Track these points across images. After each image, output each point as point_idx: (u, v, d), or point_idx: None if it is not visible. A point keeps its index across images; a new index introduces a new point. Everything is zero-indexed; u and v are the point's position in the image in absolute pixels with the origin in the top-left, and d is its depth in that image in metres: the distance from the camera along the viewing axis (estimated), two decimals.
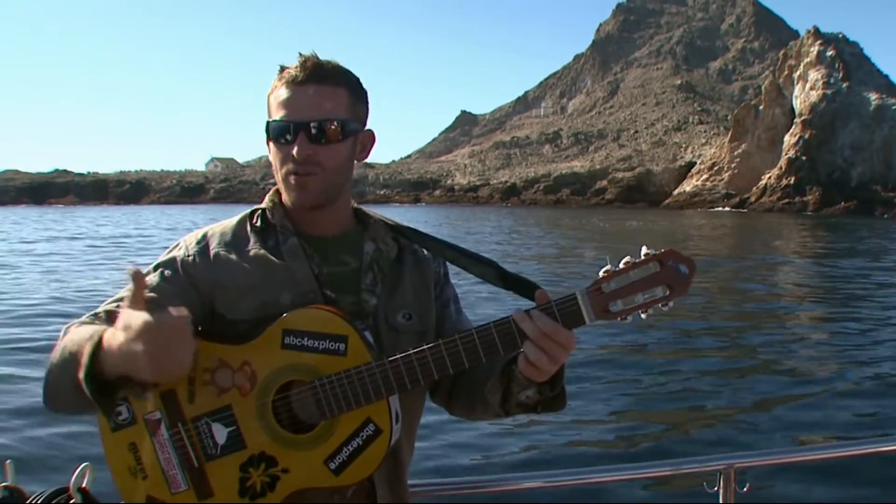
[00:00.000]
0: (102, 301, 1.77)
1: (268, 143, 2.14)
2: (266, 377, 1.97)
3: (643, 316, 1.88)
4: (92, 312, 2.02)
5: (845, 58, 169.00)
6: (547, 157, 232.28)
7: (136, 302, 1.73)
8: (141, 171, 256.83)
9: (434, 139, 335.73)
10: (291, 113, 2.05)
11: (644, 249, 1.87)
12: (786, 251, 45.54)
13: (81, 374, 1.74)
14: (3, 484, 2.11)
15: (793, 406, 10.17)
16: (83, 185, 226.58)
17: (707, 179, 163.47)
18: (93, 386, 1.74)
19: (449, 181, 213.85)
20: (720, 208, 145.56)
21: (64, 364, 1.84)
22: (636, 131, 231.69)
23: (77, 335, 1.87)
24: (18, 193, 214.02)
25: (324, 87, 2.08)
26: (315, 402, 1.96)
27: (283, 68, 2.11)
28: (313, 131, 2.04)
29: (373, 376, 1.95)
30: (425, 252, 2.33)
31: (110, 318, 1.90)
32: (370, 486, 2.10)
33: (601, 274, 1.88)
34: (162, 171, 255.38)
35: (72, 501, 2.11)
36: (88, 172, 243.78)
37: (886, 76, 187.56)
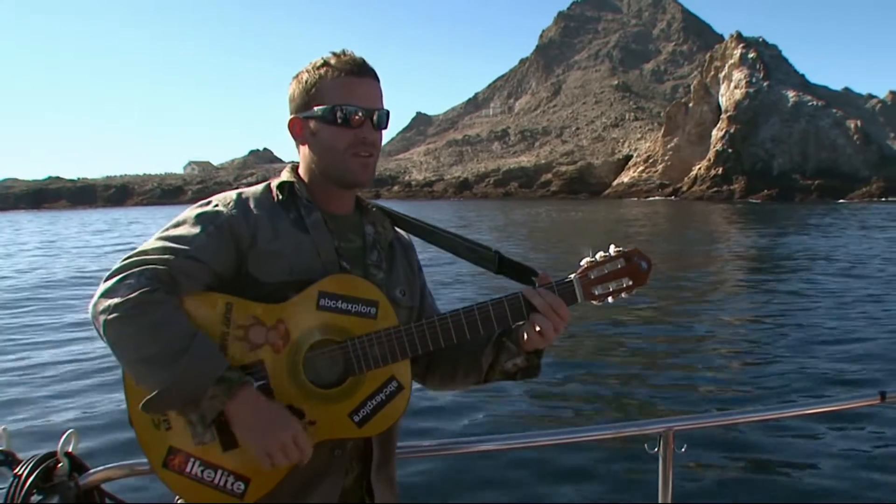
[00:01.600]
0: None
1: (301, 126, 2.16)
2: (299, 335, 1.96)
3: (610, 300, 2.08)
4: (158, 260, 1.90)
5: (765, 59, 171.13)
6: (496, 154, 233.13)
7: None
8: (125, 175, 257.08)
9: (392, 139, 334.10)
10: (361, 100, 2.08)
11: (612, 247, 2.09)
12: (715, 234, 45.84)
13: (208, 416, 1.84)
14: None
15: (724, 374, 10.16)
16: (74, 191, 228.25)
17: (643, 171, 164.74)
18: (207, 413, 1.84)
19: (406, 177, 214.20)
20: (655, 197, 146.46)
21: (160, 358, 1.80)
22: (577, 128, 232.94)
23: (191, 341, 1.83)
24: (17, 200, 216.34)
25: (375, 82, 2.15)
26: (344, 359, 1.98)
27: (327, 61, 2.12)
28: (377, 119, 2.11)
29: (400, 338, 1.99)
30: (407, 238, 2.41)
31: (182, 275, 1.91)
32: (364, 444, 2.13)
33: (583, 263, 2.08)
34: (144, 174, 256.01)
35: (59, 464, 2.14)
36: (78, 178, 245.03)
37: (802, 75, 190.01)
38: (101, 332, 1.83)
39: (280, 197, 2.14)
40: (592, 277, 2.07)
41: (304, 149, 2.18)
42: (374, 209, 2.32)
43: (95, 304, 1.84)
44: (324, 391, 1.97)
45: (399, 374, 2.03)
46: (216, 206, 2.07)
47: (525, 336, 2.09)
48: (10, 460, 2.13)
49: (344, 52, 2.14)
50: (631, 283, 2.07)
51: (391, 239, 2.32)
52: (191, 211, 2.07)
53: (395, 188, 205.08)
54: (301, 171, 2.22)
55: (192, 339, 1.81)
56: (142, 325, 1.79)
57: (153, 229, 2.10)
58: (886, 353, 11.32)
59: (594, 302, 2.08)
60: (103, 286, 1.85)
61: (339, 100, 2.08)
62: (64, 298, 19.89)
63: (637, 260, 2.07)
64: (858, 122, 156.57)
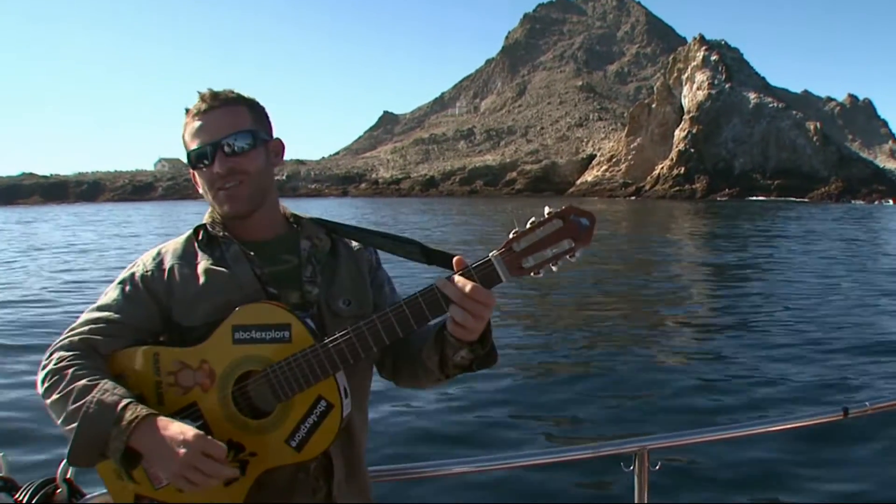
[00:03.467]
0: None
1: (193, 175, 2.20)
2: (223, 371, 1.99)
3: (553, 268, 1.86)
4: (75, 332, 2.06)
5: (727, 61, 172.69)
6: (462, 152, 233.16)
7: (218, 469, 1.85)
8: (97, 171, 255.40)
9: (360, 137, 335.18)
10: (204, 138, 2.10)
11: (546, 209, 1.85)
12: (678, 232, 46.11)
13: (115, 458, 1.85)
14: None
15: (696, 391, 10.14)
16: (47, 187, 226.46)
17: (607, 170, 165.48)
18: (124, 461, 1.86)
19: (374, 175, 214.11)
20: (619, 196, 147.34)
21: (84, 427, 1.86)
22: (542, 128, 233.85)
23: (89, 398, 1.89)
24: None
25: (225, 108, 2.13)
26: (270, 387, 1.97)
27: (188, 109, 2.16)
28: (226, 148, 2.09)
29: (317, 356, 1.95)
30: (354, 244, 2.36)
31: (100, 339, 2.04)
32: (327, 462, 2.12)
33: (511, 236, 1.86)
34: (115, 171, 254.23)
35: (58, 491, 2.17)
36: (51, 175, 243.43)
37: (763, 78, 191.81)
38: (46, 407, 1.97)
39: (200, 240, 2.18)
40: (519, 249, 1.85)
41: None
42: (307, 222, 2.31)
43: (37, 384, 1.99)
44: (257, 422, 1.99)
45: (326, 393, 2.00)
46: (136, 266, 2.16)
47: (448, 328, 1.97)
48: (9, 486, 2.16)
49: (199, 93, 2.16)
50: (573, 244, 1.83)
51: (329, 248, 2.29)
52: (118, 276, 2.17)
53: (363, 185, 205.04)
54: None
55: (91, 390, 1.88)
56: (58, 391, 1.91)
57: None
58: (850, 367, 11.36)
59: (531, 274, 1.87)
60: (40, 367, 2.00)
61: (190, 144, 2.13)
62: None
63: (575, 218, 1.83)
64: (818, 124, 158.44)
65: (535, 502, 6.65)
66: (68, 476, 2.20)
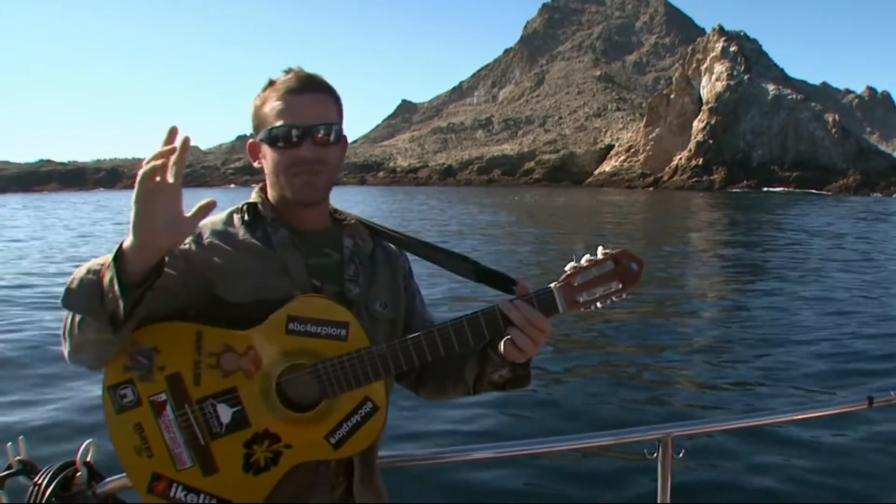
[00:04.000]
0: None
1: (255, 149, 2.16)
2: (270, 360, 1.95)
3: (599, 306, 1.97)
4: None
5: (746, 53, 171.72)
6: (480, 141, 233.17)
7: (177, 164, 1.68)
8: (115, 158, 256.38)
9: (377, 126, 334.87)
10: (296, 119, 2.05)
11: (600, 249, 1.98)
12: (697, 225, 45.91)
13: (110, 266, 1.73)
14: (18, 458, 2.15)
15: (721, 380, 10.13)
16: (64, 173, 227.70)
17: (625, 160, 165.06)
18: (120, 280, 1.72)
19: (391, 164, 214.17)
20: (637, 187, 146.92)
21: (83, 283, 1.78)
22: (560, 117, 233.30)
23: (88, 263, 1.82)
24: (8, 182, 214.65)
25: (318, 95, 2.11)
26: (318, 382, 1.96)
27: (272, 81, 2.12)
28: (319, 134, 2.06)
29: (372, 359, 1.96)
30: (393, 248, 2.35)
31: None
32: (347, 459, 2.11)
33: (568, 269, 1.97)
34: (133, 158, 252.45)
35: (78, 474, 2.14)
36: (69, 161, 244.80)
37: (782, 69, 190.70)
38: (78, 363, 1.93)
39: (246, 218, 2.13)
40: (576, 284, 1.96)
41: (264, 169, 2.17)
42: (352, 221, 2.29)
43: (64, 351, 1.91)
44: (298, 415, 1.96)
45: (374, 395, 2.00)
46: None
47: (503, 349, 2.01)
48: (28, 469, 2.14)
49: (290, 70, 2.13)
50: (621, 286, 1.97)
51: (372, 249, 2.28)
52: None
53: (381, 174, 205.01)
54: (268, 190, 2.21)
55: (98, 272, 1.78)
56: (75, 322, 1.83)
57: None
58: (875, 356, 11.31)
59: (581, 309, 1.98)
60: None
61: (276, 120, 2.06)
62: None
63: (626, 262, 1.97)
64: (837, 116, 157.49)
65: (553, 490, 6.66)
66: (88, 459, 2.16)
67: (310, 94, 2.09)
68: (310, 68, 2.17)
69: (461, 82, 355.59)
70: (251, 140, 2.17)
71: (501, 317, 1.96)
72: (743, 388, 9.73)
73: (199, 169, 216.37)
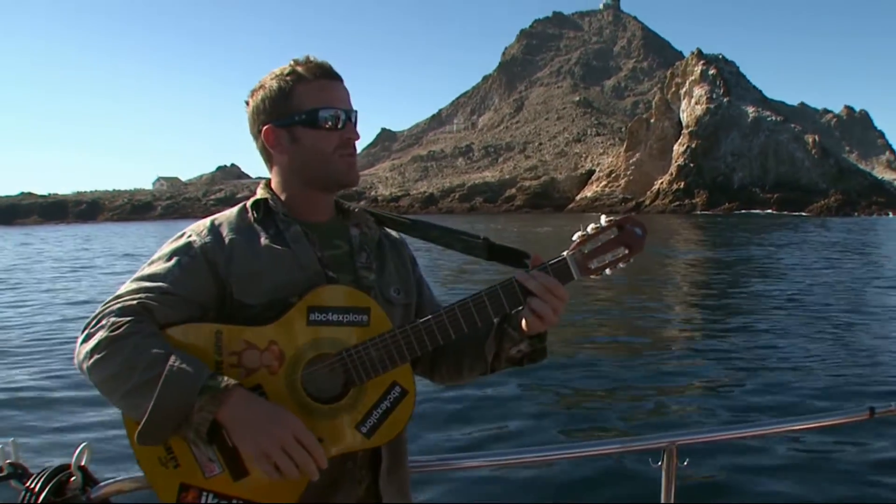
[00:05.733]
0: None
1: (279, 135, 2.09)
2: (293, 354, 1.91)
3: (609, 272, 2.00)
4: (129, 297, 1.88)
5: (725, 76, 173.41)
6: (461, 169, 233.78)
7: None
8: (95, 191, 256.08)
9: (358, 154, 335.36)
10: (338, 102, 2.06)
11: (603, 217, 2.01)
12: (682, 247, 46.08)
13: (200, 430, 1.75)
14: (9, 461, 2.08)
15: (725, 388, 10.16)
16: (46, 206, 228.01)
17: (606, 185, 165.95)
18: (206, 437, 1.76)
19: (373, 193, 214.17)
20: (619, 211, 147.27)
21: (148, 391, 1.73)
22: (540, 143, 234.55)
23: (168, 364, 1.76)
24: None
25: (344, 84, 2.13)
26: (343, 371, 1.92)
27: (295, 67, 2.08)
28: (355, 119, 2.10)
29: (396, 342, 1.94)
30: (397, 235, 2.36)
31: (156, 306, 1.87)
32: (373, 452, 2.08)
33: (576, 238, 1.99)
34: (114, 190, 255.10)
35: (72, 478, 2.09)
36: (49, 194, 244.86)
37: (760, 91, 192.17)
38: (88, 378, 1.81)
39: (256, 215, 2.10)
40: (587, 251, 1.99)
41: (283, 158, 2.11)
42: (356, 210, 2.28)
43: (78, 354, 1.82)
44: (327, 406, 1.93)
45: (401, 379, 1.98)
46: (189, 236, 2.03)
47: (524, 321, 2.02)
48: (21, 473, 2.08)
49: (309, 58, 2.10)
50: (627, 251, 2.00)
51: (378, 238, 2.27)
52: (165, 246, 2.03)
53: (362, 203, 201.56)
54: (275, 185, 2.17)
55: (167, 358, 1.75)
56: (118, 361, 1.76)
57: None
58: (874, 369, 11.35)
59: (593, 276, 2.02)
60: (82, 335, 1.83)
61: (318, 103, 2.04)
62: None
63: (631, 227, 2.01)
64: (816, 137, 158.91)
65: (556, 498, 6.65)
66: (83, 463, 2.11)
67: (339, 81, 2.11)
68: None
69: (440, 109, 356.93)
70: (269, 126, 2.07)
71: (519, 287, 1.97)
72: (746, 398, 9.74)
73: (180, 200, 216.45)
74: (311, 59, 2.10)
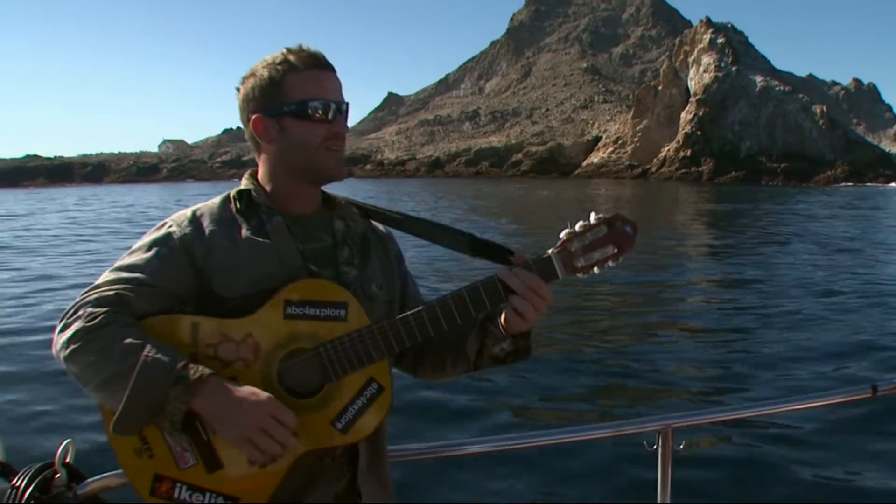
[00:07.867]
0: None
1: (268, 125, 2.06)
2: (269, 347, 1.89)
3: (596, 271, 1.95)
4: (105, 287, 1.87)
5: (734, 44, 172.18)
6: (467, 134, 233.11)
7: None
8: (101, 153, 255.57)
9: (364, 118, 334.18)
10: (330, 94, 2.04)
11: (593, 215, 1.95)
12: (685, 217, 45.86)
13: (175, 420, 1.75)
14: None
15: (719, 370, 9.98)
16: (51, 169, 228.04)
17: (612, 152, 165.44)
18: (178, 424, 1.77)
19: (379, 156, 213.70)
20: (625, 178, 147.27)
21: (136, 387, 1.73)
22: (547, 109, 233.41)
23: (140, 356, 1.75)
24: None
25: (336, 75, 2.10)
26: (320, 366, 1.91)
27: (286, 55, 2.05)
28: (345, 112, 2.09)
29: (374, 338, 1.92)
30: (383, 229, 2.33)
31: (133, 297, 1.86)
32: (353, 448, 2.06)
33: (563, 235, 1.95)
34: (119, 153, 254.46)
35: (57, 475, 2.08)
36: (55, 157, 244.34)
37: (768, 61, 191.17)
38: (66, 368, 1.80)
39: (238, 206, 2.07)
40: (573, 249, 1.94)
41: (270, 147, 2.08)
42: (342, 203, 2.24)
43: (55, 344, 1.81)
44: (302, 401, 1.90)
45: (378, 376, 1.96)
46: (170, 227, 2.01)
47: (506, 319, 2.00)
48: (6, 471, 2.07)
49: (301, 48, 2.07)
50: (616, 250, 1.94)
51: (363, 232, 2.23)
52: (146, 236, 2.01)
53: (368, 167, 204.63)
54: (261, 174, 2.14)
55: (142, 348, 1.74)
56: (93, 351, 1.75)
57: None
58: (877, 345, 11.16)
59: (579, 275, 1.96)
60: (59, 325, 1.82)
61: (308, 94, 2.01)
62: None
63: (620, 225, 1.95)
64: (824, 108, 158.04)
65: (552, 483, 6.57)
66: (67, 460, 2.10)
67: (331, 72, 2.07)
68: None
69: (447, 74, 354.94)
70: (258, 115, 2.05)
71: (501, 285, 1.94)
72: (743, 378, 9.63)
73: (186, 163, 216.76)
74: (304, 48, 2.06)
